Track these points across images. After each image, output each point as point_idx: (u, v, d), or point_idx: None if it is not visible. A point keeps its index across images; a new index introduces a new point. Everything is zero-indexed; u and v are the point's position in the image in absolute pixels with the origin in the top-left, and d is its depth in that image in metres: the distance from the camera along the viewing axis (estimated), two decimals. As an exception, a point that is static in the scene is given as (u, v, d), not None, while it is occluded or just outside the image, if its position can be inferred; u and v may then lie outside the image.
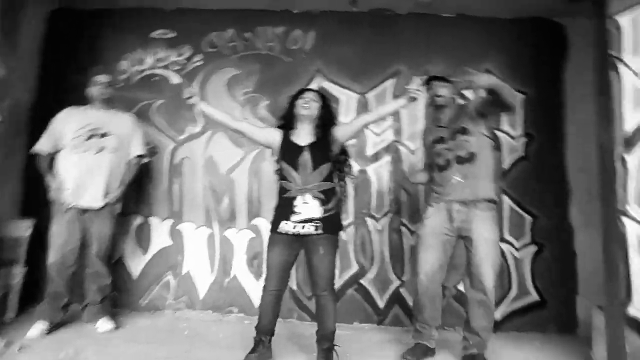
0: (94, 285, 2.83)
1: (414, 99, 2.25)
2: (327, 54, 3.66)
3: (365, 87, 3.61)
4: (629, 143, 2.19)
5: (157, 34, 3.78)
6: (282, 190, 2.34)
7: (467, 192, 2.52)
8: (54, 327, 2.75)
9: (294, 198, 2.26)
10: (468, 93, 3.32)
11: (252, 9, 3.72)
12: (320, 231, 2.25)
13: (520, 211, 3.41)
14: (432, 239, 2.58)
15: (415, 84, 2.27)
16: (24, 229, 3.13)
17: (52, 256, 2.70)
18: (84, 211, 2.77)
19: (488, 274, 2.47)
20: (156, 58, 3.76)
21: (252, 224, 3.53)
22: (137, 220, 3.55)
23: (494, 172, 2.64)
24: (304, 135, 2.37)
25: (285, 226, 2.27)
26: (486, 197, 2.54)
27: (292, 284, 3.44)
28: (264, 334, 2.31)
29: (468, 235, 2.52)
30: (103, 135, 2.83)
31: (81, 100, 3.46)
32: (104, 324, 2.82)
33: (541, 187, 3.41)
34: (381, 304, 3.39)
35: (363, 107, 3.58)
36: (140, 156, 3.02)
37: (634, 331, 2.07)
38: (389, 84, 3.61)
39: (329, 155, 2.33)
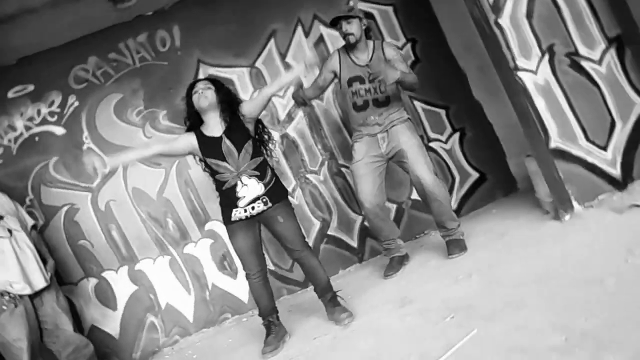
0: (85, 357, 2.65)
1: (312, 67, 2.33)
2: (200, 42, 3.56)
3: (251, 57, 3.59)
4: (496, 8, 2.42)
5: (13, 93, 3.45)
6: (220, 184, 2.34)
7: (385, 125, 2.75)
8: None
9: (234, 186, 2.28)
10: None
11: (102, 29, 3.48)
12: (270, 204, 2.30)
13: (433, 108, 3.66)
14: (363, 169, 2.78)
15: (312, 53, 2.33)
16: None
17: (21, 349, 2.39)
18: (32, 298, 2.52)
19: (424, 172, 2.71)
20: (26, 118, 3.45)
21: (206, 230, 3.49)
22: (92, 282, 3.36)
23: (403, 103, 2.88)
24: (215, 125, 2.35)
25: (237, 213, 2.30)
26: (399, 118, 2.79)
27: (269, 265, 3.48)
28: (269, 315, 2.37)
29: (396, 151, 2.75)
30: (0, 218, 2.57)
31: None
32: None
33: (440, 79, 3.65)
34: (354, 243, 3.56)
35: (257, 77, 3.58)
36: (33, 227, 2.81)
37: (559, 159, 2.38)
38: (271, 45, 3.61)
39: (247, 134, 2.34)
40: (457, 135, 3.67)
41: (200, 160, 2.48)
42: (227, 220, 2.35)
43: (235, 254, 2.99)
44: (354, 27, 2.72)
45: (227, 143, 2.27)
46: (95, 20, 3.35)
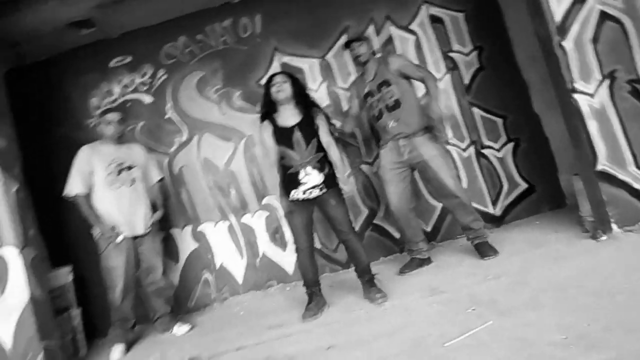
0: (160, 300, 3.11)
1: None
2: (278, 31, 3.87)
3: (323, 50, 3.85)
4: (561, 30, 2.52)
5: (114, 62, 3.93)
6: (285, 168, 2.63)
7: (403, 130, 2.96)
8: (128, 347, 3.03)
9: (297, 173, 2.57)
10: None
11: (193, 12, 3.87)
12: (325, 189, 2.58)
13: (490, 116, 3.77)
14: (389, 174, 3.04)
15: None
16: (64, 276, 3.38)
17: (118, 286, 2.90)
18: (134, 238, 3.00)
19: (447, 180, 2.93)
20: (122, 85, 3.92)
21: (264, 204, 3.84)
22: (161, 236, 3.81)
23: (418, 107, 3.06)
24: (288, 116, 2.64)
25: (296, 195, 2.59)
26: (421, 127, 2.98)
27: (316, 244, 3.79)
28: (313, 286, 2.67)
29: (419, 161, 2.96)
30: (129, 168, 3.04)
31: (72, 149, 3.69)
32: (180, 328, 3.09)
33: (502, 89, 3.76)
34: (397, 234, 3.78)
35: (326, 69, 3.84)
36: (160, 180, 3.29)
37: (604, 181, 2.48)
38: (343, 40, 3.85)
39: (315, 129, 2.62)
40: (511, 145, 3.77)
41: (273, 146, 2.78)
42: (285, 198, 2.65)
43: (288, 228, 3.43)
44: (363, 49, 3.07)
45: (297, 135, 2.57)
46: (186, 3, 3.74)
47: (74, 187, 2.94)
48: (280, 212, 3.82)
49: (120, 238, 2.90)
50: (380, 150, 3.11)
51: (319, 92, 3.80)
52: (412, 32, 3.83)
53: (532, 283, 2.11)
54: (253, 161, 3.86)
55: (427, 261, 3.12)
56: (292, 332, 2.41)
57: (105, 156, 3.03)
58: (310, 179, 2.56)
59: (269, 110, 2.69)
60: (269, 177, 3.78)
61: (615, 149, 2.49)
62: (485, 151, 3.76)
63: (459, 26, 3.82)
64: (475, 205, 3.70)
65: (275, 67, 3.86)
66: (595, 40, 2.51)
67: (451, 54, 3.79)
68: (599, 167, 2.48)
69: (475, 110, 3.78)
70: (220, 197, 3.86)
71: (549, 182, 3.73)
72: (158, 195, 3.24)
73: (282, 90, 2.60)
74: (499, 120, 3.78)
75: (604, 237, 2.46)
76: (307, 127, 2.60)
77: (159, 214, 3.17)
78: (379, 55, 3.23)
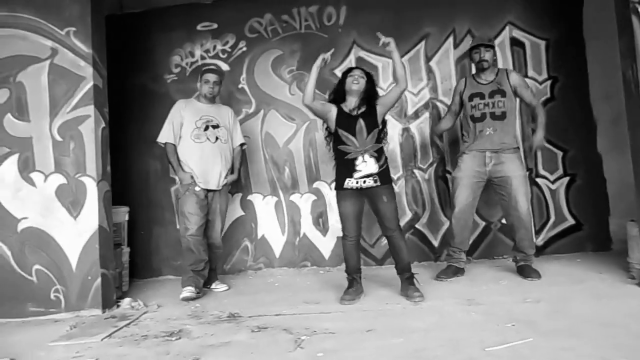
0: (213, 254, 3.34)
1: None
2: (359, 26, 3.99)
3: (400, 52, 3.85)
4: (650, 77, 2.54)
5: (201, 26, 4.14)
6: (342, 153, 2.76)
7: (496, 142, 3.08)
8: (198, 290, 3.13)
9: (355, 159, 2.69)
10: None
11: (282, -7, 4.03)
12: (378, 183, 2.69)
13: (552, 147, 3.79)
14: (465, 180, 3.14)
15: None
16: (123, 215, 3.63)
17: (191, 229, 3.11)
18: (208, 192, 3.22)
19: (522, 201, 3.05)
20: (204, 49, 4.13)
21: (314, 188, 4.00)
22: (229, 198, 4.01)
23: (516, 127, 3.27)
24: (354, 105, 2.79)
25: (350, 182, 2.71)
26: (512, 146, 3.12)
27: (355, 235, 3.92)
28: (355, 273, 2.80)
29: (501, 176, 3.06)
30: (215, 126, 3.25)
31: (146, 99, 3.95)
32: (220, 285, 3.37)
33: (568, 122, 3.77)
34: (435, 243, 3.87)
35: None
36: (241, 145, 3.47)
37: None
38: (421, 47, 3.94)
39: (377, 123, 2.74)
40: (566, 179, 3.78)
41: (327, 128, 2.92)
42: (339, 185, 2.78)
43: (337, 216, 3.55)
44: (488, 55, 3.13)
45: (361, 123, 2.70)
46: (279, -16, 3.89)
47: (165, 135, 3.23)
48: (328, 199, 3.97)
49: (198, 188, 3.14)
50: (463, 155, 3.19)
51: (387, 92, 3.90)
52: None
53: (571, 313, 2.17)
54: (312, 145, 4.01)
55: (461, 271, 3.23)
56: (330, 310, 2.55)
57: (196, 112, 3.25)
58: (366, 166, 2.68)
59: (336, 97, 2.83)
60: (324, 165, 3.94)
61: (680, 203, 2.50)
62: (539, 180, 3.79)
63: (539, 53, 3.84)
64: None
65: (351, 60, 3.99)
66: (680, 92, 2.51)
67: (509, 70, 3.80)
68: (660, 217, 2.50)
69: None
70: (274, 172, 4.04)
71: (598, 223, 3.73)
72: (237, 159, 3.42)
73: (358, 83, 2.73)
74: (559, 153, 3.79)
75: (650, 287, 2.49)
76: (371, 118, 2.74)
77: (233, 177, 3.37)
78: (501, 66, 3.33)
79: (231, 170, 3.37)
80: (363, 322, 2.27)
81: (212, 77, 3.29)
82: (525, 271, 3.05)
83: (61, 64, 2.94)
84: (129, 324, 2.57)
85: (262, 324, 2.39)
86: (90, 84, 2.92)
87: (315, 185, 4.00)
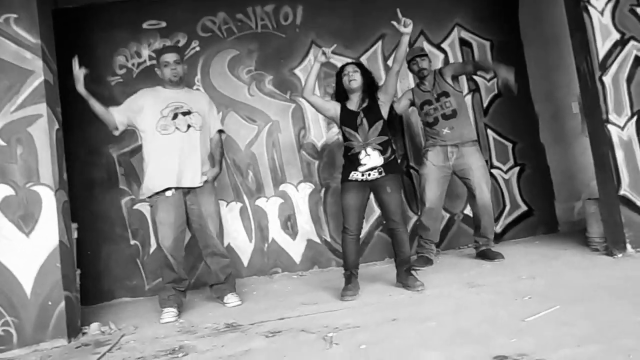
0: (215, 266, 2.86)
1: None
2: (317, 26, 3.97)
3: (358, 52, 4.00)
4: (603, 66, 2.83)
5: (147, 25, 3.85)
6: (347, 149, 2.73)
7: (456, 137, 3.26)
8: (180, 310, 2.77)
9: (358, 153, 2.66)
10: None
11: (238, -9, 3.89)
12: (383, 174, 2.68)
13: (502, 140, 4.07)
14: (433, 174, 3.30)
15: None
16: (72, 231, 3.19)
17: (165, 243, 2.69)
18: (187, 191, 2.75)
19: (485, 190, 3.27)
20: (152, 49, 3.83)
21: (280, 190, 3.86)
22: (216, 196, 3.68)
23: (471, 119, 3.49)
24: (356, 102, 2.77)
25: (354, 175, 2.67)
26: (470, 139, 3.32)
27: (326, 236, 3.85)
28: (353, 268, 2.72)
29: (464, 168, 3.25)
30: (186, 113, 2.76)
31: (82, 100, 3.50)
32: (232, 299, 2.85)
33: (515, 117, 4.07)
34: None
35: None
36: (220, 131, 3.00)
37: (625, 206, 2.77)
38: (378, 46, 4.03)
39: (380, 115, 2.73)
40: (517, 169, 4.07)
41: (338, 127, 2.86)
42: (344, 178, 2.73)
43: (306, 217, 3.76)
44: (426, 63, 3.34)
45: (362, 117, 2.68)
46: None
47: (114, 112, 2.76)
48: (295, 201, 3.86)
49: (169, 192, 2.68)
50: (428, 152, 3.32)
51: (348, 91, 3.91)
52: (442, 50, 4.07)
53: (571, 284, 2.30)
54: (275, 146, 3.89)
55: (431, 262, 3.35)
56: (336, 308, 2.44)
57: (162, 99, 2.78)
58: (370, 159, 2.66)
59: (339, 97, 2.79)
60: (289, 167, 3.84)
61: (637, 178, 2.80)
62: (494, 171, 4.03)
63: (485, 53, 4.12)
64: (477, 220, 3.96)
65: (310, 60, 3.95)
66: (629, 80, 2.83)
67: (474, 77, 4.06)
68: (621, 192, 2.77)
69: (490, 132, 4.05)
70: (237, 177, 3.84)
71: (546, 207, 4.05)
72: (217, 148, 2.94)
73: (354, 79, 2.71)
74: (509, 145, 4.08)
75: (620, 255, 2.74)
76: (372, 111, 2.73)
77: (214, 170, 2.87)
78: (434, 68, 3.45)
79: (212, 164, 2.90)
80: (381, 314, 2.20)
81: (171, 57, 2.80)
82: (489, 254, 3.23)
83: (0, 56, 2.52)
84: (110, 348, 2.23)
85: (272, 329, 2.21)
86: (40, 79, 2.53)
87: (281, 187, 3.87)
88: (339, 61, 3.92)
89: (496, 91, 4.10)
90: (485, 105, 4.08)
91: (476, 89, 4.06)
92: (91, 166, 3.66)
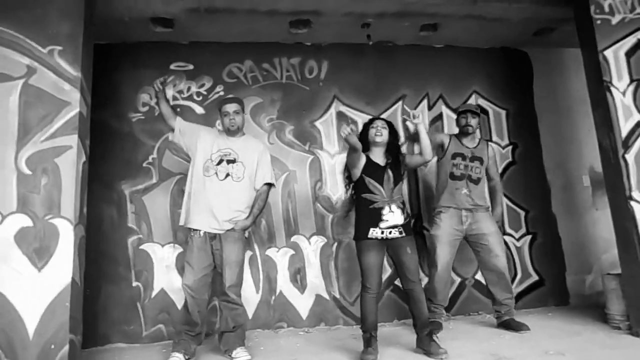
0: (227, 312, 2.80)
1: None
2: (340, 82, 4.07)
3: (378, 110, 4.07)
4: (625, 144, 2.91)
5: (175, 66, 3.90)
6: (367, 202, 2.69)
7: (471, 202, 3.29)
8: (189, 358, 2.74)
9: (382, 208, 2.63)
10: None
11: (266, 42, 4.00)
12: (403, 234, 2.65)
13: (515, 207, 4.09)
14: (444, 237, 3.28)
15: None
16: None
17: (187, 279, 2.74)
18: (213, 237, 2.78)
19: (501, 256, 3.25)
20: (177, 90, 3.86)
21: (291, 242, 3.77)
22: (177, 251, 3.59)
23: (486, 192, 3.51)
24: (379, 156, 2.78)
25: (375, 232, 2.62)
26: (485, 206, 3.37)
27: (335, 292, 3.73)
28: (373, 330, 2.61)
29: (478, 233, 3.25)
30: (231, 161, 2.85)
31: (106, 137, 3.49)
32: (242, 354, 2.74)
33: (528, 185, 4.13)
34: (415, 300, 3.82)
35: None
36: (269, 184, 2.97)
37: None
38: (398, 106, 4.12)
39: (402, 176, 2.77)
40: (528, 238, 4.07)
41: (347, 176, 2.84)
42: (362, 235, 2.67)
43: (315, 272, 3.66)
44: (474, 122, 3.38)
45: (389, 173, 2.70)
46: (263, 33, 3.86)
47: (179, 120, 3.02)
48: (306, 253, 3.77)
49: (198, 234, 2.77)
50: (442, 213, 3.29)
51: (367, 147, 3.95)
52: (485, 112, 4.17)
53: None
54: (290, 197, 3.85)
55: (441, 327, 3.24)
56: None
57: (215, 143, 2.91)
58: (393, 217, 2.63)
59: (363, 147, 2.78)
60: (303, 218, 3.79)
61: (658, 257, 2.80)
62: (506, 237, 4.01)
63: (501, 121, 4.23)
64: (488, 286, 3.90)
65: (332, 114, 4.01)
66: (650, 160, 2.90)
67: (490, 144, 4.14)
68: (645, 269, 2.76)
69: (503, 199, 4.07)
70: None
71: (556, 279, 4.02)
72: (257, 201, 2.90)
73: (382, 135, 2.73)
74: (522, 213, 4.10)
75: (644, 335, 2.69)
76: (397, 170, 2.75)
77: (244, 222, 2.82)
78: (483, 136, 3.60)
79: (249, 214, 2.87)
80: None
81: (231, 107, 2.92)
82: (513, 325, 3.13)
83: (38, 85, 2.50)
84: (117, 402, 2.06)
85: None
86: (75, 111, 2.50)
87: (293, 239, 3.78)
88: (360, 117, 4.05)
89: (510, 158, 4.17)
90: (500, 171, 4.13)
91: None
92: (102, 201, 3.56)
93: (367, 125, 2.84)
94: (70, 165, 2.44)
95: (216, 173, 2.81)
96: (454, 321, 3.58)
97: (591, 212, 4.16)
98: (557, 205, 4.15)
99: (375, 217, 2.63)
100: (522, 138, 4.23)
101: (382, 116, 4.01)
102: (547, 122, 4.25)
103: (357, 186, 2.77)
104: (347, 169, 2.81)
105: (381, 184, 2.67)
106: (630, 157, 2.90)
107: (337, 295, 3.74)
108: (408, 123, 2.81)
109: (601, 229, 4.12)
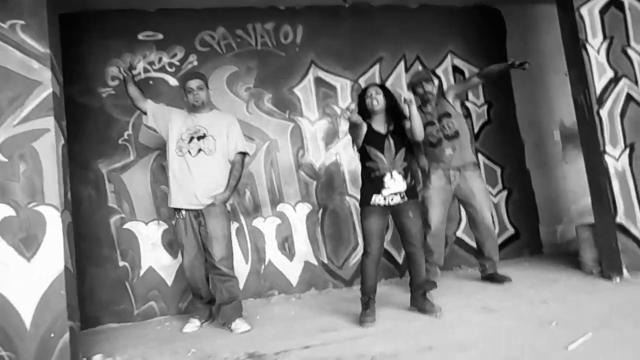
0: (220, 284, 2.84)
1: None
2: (317, 46, 3.98)
3: (356, 73, 4.04)
4: (600, 101, 3.02)
5: (143, 36, 3.70)
6: (370, 170, 2.71)
7: (457, 161, 3.31)
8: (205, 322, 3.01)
9: (383, 176, 2.67)
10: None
11: (238, 7, 3.84)
12: (405, 199, 2.70)
13: (492, 164, 4.22)
14: (436, 198, 3.33)
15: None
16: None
17: (183, 260, 2.91)
18: (197, 214, 2.84)
19: (487, 214, 3.34)
20: (147, 61, 3.68)
21: (277, 211, 3.78)
22: (162, 227, 3.54)
23: (471, 142, 3.50)
24: (380, 123, 2.77)
25: (377, 199, 2.67)
26: (472, 161, 3.37)
27: (323, 257, 3.80)
28: (371, 293, 2.69)
29: (466, 192, 3.30)
30: (201, 137, 2.87)
31: (76, 114, 3.31)
32: (241, 325, 2.80)
33: (503, 143, 4.25)
34: (400, 260, 3.95)
35: (357, 92, 4.00)
36: (242, 153, 2.97)
37: (621, 233, 2.94)
38: (376, 69, 4.09)
39: (404, 141, 2.76)
40: (505, 193, 4.23)
41: (355, 145, 2.85)
42: (366, 201, 2.70)
43: (304, 239, 3.72)
44: (430, 87, 3.37)
45: (390, 141, 2.70)
46: (232, -3, 3.70)
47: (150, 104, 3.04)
48: (293, 222, 3.80)
49: (181, 214, 2.85)
50: (431, 175, 3.33)
51: (347, 112, 3.93)
52: (436, 75, 4.19)
53: (585, 308, 2.40)
54: (273, 166, 3.82)
55: (435, 284, 3.31)
56: (360, 335, 2.40)
57: (184, 123, 2.94)
58: (395, 184, 2.67)
59: (362, 117, 2.77)
60: (287, 187, 3.79)
61: (630, 206, 2.98)
62: (484, 194, 4.15)
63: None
64: (468, 241, 4.08)
65: (310, 80, 3.95)
66: (622, 115, 3.04)
67: (467, 103, 4.21)
68: (618, 220, 2.94)
69: (480, 156, 4.19)
70: (233, 197, 3.71)
71: (531, 231, 4.23)
72: (232, 172, 2.91)
73: (378, 102, 2.72)
74: (498, 170, 4.23)
75: (618, 279, 2.89)
76: (398, 136, 2.74)
77: (222, 195, 2.84)
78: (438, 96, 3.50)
79: (226, 186, 2.89)
80: (412, 341, 2.19)
81: (194, 83, 2.92)
82: (497, 277, 3.30)
83: (3, 65, 2.32)
84: (126, 385, 2.07)
85: (304, 358, 2.13)
86: (48, 91, 2.35)
87: (278, 208, 3.79)
88: (338, 82, 4.00)
89: (486, 118, 4.26)
90: (476, 130, 4.23)
91: (468, 114, 4.19)
92: (78, 182, 3.42)
93: (361, 96, 2.81)
94: (49, 149, 2.32)
95: (189, 151, 2.85)
96: (442, 276, 3.72)
97: (561, 166, 4.35)
98: (531, 161, 4.31)
99: (378, 185, 2.67)
100: (496, 97, 4.30)
101: (360, 80, 4.03)
102: (520, 81, 4.33)
103: (361, 155, 2.80)
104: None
105: (382, 152, 2.68)
106: (604, 113, 3.02)
107: (325, 260, 3.81)
108: (402, 103, 2.74)
109: (570, 182, 4.33)
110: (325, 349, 2.25)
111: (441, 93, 3.47)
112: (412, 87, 3.44)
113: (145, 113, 3.04)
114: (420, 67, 4.16)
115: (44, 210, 2.28)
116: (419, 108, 3.41)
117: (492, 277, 3.32)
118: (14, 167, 2.27)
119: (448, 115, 3.32)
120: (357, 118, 2.60)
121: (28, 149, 2.30)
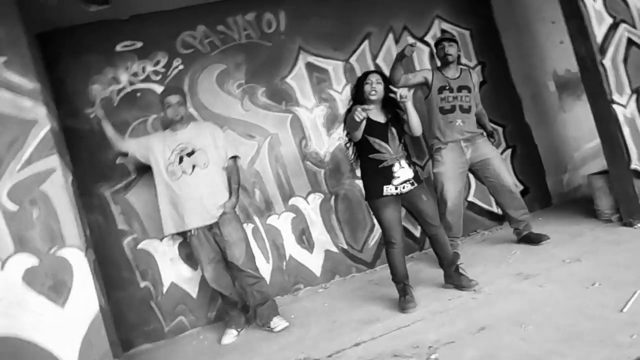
0: (250, 287, 2.92)
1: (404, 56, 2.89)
2: (303, 31, 3.84)
3: (346, 53, 3.93)
4: (602, 51, 2.99)
5: (121, 47, 3.51)
6: (376, 162, 2.65)
7: (466, 132, 3.27)
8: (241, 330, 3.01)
9: (392, 166, 2.62)
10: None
11: (215, 1, 3.66)
12: (415, 184, 2.67)
13: (493, 124, 4.17)
14: (450, 172, 3.29)
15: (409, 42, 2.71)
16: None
17: (206, 274, 2.94)
18: (210, 227, 2.86)
19: (507, 177, 3.33)
20: (131, 73, 3.51)
21: (290, 205, 3.72)
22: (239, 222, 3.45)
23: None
24: (377, 113, 2.70)
25: (389, 190, 2.63)
26: (479, 132, 3.37)
27: (342, 243, 3.79)
28: (405, 279, 2.69)
29: (482, 159, 3.28)
30: (190, 153, 2.85)
31: (68, 140, 3.14)
32: (279, 323, 2.87)
33: (501, 101, 4.22)
34: (417, 234, 3.96)
35: (350, 72, 3.91)
36: (234, 157, 3.01)
37: (637, 178, 2.97)
38: (365, 46, 3.98)
39: (404, 130, 2.72)
40: (509, 151, 4.23)
41: (347, 135, 2.77)
42: (377, 194, 2.65)
43: (320, 229, 3.70)
44: (452, 50, 3.28)
45: (392, 130, 2.64)
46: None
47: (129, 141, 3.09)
48: (307, 213, 3.76)
49: (193, 231, 2.86)
50: (440, 149, 3.28)
51: (343, 94, 3.85)
52: (426, 43, 4.10)
53: (619, 261, 2.44)
54: (279, 160, 3.74)
55: (458, 255, 3.32)
56: (406, 323, 2.40)
57: (167, 142, 2.91)
58: (404, 172, 2.63)
59: (359, 103, 2.69)
60: (296, 179, 3.72)
61: (642, 151, 3.01)
62: (489, 156, 4.15)
63: (466, 42, 4.21)
64: (480, 204, 4.11)
65: (301, 67, 3.83)
66: (625, 60, 3.02)
67: (472, 71, 4.13)
68: (633, 165, 2.97)
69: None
70: (243, 197, 3.64)
71: (538, 184, 4.27)
72: (231, 178, 2.95)
73: (377, 90, 2.64)
74: (500, 129, 4.22)
75: (639, 225, 2.94)
76: (399, 124, 2.69)
77: (231, 202, 2.89)
78: (463, 63, 3.43)
79: (231, 192, 2.94)
80: (462, 322, 2.20)
81: (173, 99, 2.91)
82: (533, 237, 3.26)
83: (-6, 108, 2.17)
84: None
85: (360, 357, 2.13)
86: (46, 129, 2.22)
87: (291, 202, 3.74)
88: (330, 65, 3.89)
89: (481, 78, 4.20)
90: (473, 93, 4.18)
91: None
92: (83, 210, 3.29)
93: (361, 80, 2.72)
94: (59, 190, 2.20)
95: (183, 171, 2.83)
96: (462, 244, 3.75)
97: (560, 115, 4.36)
98: (530, 115, 4.31)
99: (388, 175, 2.62)
100: (488, 56, 4.25)
101: (352, 59, 3.92)
102: (509, 37, 4.28)
103: (360, 148, 2.71)
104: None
105: (387, 142, 2.62)
106: (607, 62, 2.99)
107: (345, 246, 3.80)
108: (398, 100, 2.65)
109: (570, 129, 4.36)
110: (378, 343, 2.25)
111: (468, 69, 3.46)
112: (435, 46, 3.40)
113: (125, 155, 3.06)
114: (409, 39, 4.06)
115: (67, 254, 2.19)
116: (438, 69, 3.35)
117: (528, 239, 3.28)
118: (27, 214, 2.16)
119: (468, 89, 3.29)
120: (365, 115, 2.48)
121: (37, 193, 2.18)
